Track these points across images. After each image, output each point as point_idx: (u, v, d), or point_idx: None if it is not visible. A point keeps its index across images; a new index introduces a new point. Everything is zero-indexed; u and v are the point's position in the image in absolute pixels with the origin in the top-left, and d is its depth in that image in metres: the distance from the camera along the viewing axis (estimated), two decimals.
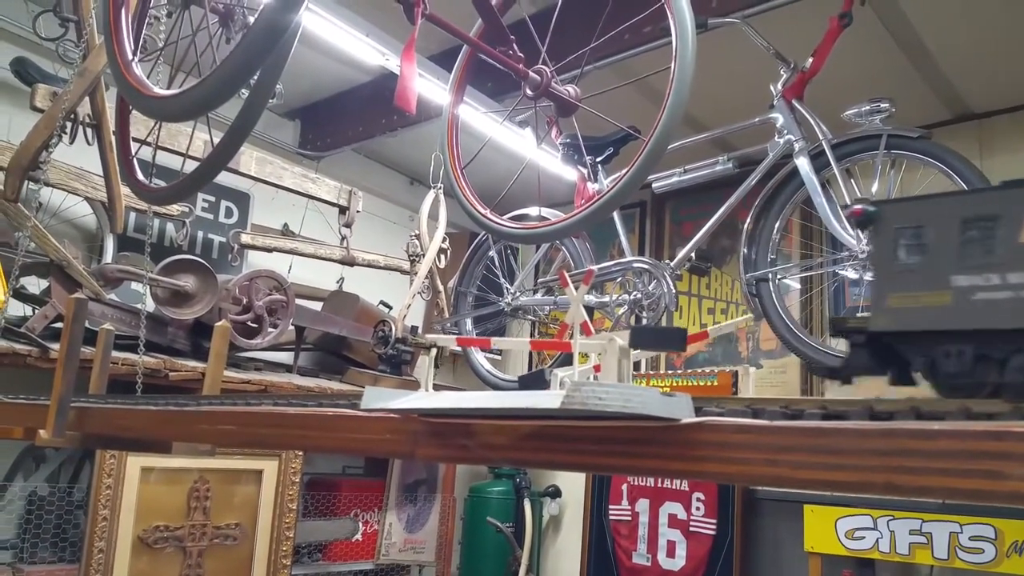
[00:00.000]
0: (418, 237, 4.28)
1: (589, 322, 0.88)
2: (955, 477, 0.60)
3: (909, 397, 0.77)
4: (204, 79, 1.22)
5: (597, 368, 0.87)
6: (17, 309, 3.35)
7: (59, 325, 3.09)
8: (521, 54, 1.74)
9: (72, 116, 2.86)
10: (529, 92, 1.75)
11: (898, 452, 0.62)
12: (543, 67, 1.73)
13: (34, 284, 3.47)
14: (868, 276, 2.34)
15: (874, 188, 2.36)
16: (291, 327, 4.14)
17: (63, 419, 1.65)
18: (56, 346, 2.97)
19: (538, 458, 0.88)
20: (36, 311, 3.22)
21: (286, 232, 4.68)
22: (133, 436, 1.76)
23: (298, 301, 4.15)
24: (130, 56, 1.42)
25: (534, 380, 1.72)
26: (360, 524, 4.49)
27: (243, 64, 1.17)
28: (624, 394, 0.72)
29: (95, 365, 2.12)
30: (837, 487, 0.65)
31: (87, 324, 1.97)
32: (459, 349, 3.41)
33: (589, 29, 2.45)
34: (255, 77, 1.43)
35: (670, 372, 4.91)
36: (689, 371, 4.63)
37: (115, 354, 2.85)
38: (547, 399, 0.76)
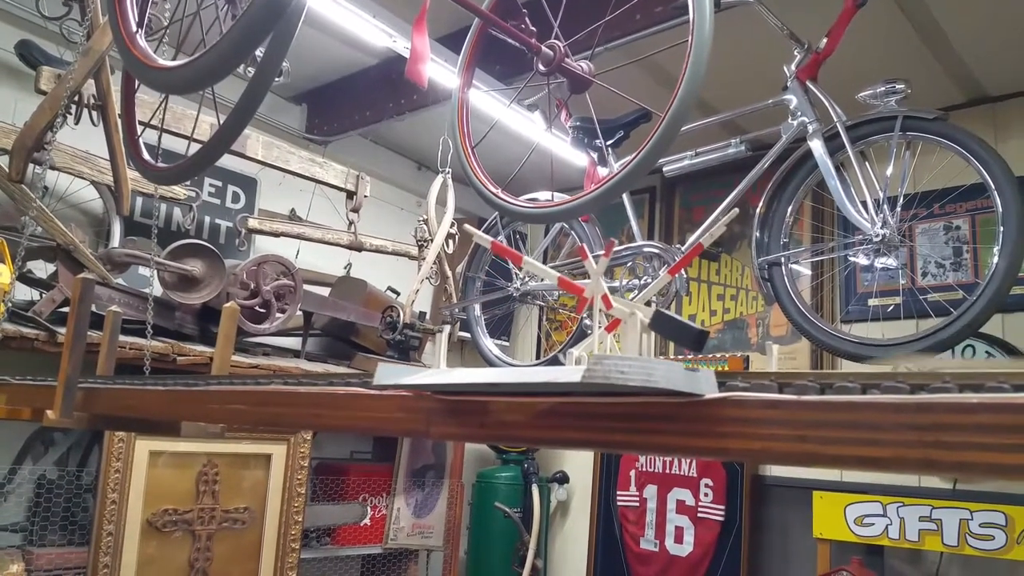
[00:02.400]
0: (426, 222, 4.26)
1: (609, 296, 0.85)
2: (996, 452, 0.57)
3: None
4: (209, 49, 1.19)
5: (611, 327, 0.84)
6: (24, 293, 3.34)
7: (66, 309, 3.07)
8: (533, 28, 1.71)
9: (77, 97, 2.84)
10: (542, 68, 1.72)
11: (935, 427, 0.59)
12: (556, 42, 1.70)
13: (41, 268, 3.46)
14: (880, 261, 2.32)
15: (889, 171, 2.32)
16: (299, 312, 4.13)
17: (70, 400, 1.64)
18: (63, 330, 2.97)
19: (555, 436, 0.85)
20: (43, 295, 3.22)
21: (293, 217, 4.66)
22: (141, 417, 1.75)
23: (306, 286, 4.14)
24: (134, 28, 1.40)
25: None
26: (368, 509, 4.50)
27: (249, 33, 1.14)
28: (647, 368, 0.69)
29: (102, 348, 2.11)
30: (871, 464, 0.62)
31: (94, 309, 1.96)
32: (467, 334, 3.40)
33: (601, 7, 2.42)
34: (261, 51, 1.41)
35: (679, 358, 4.89)
36: (699, 356, 4.60)
37: (122, 338, 2.85)
38: (567, 373, 0.73)
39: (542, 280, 3.12)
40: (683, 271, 2.60)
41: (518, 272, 3.11)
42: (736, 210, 1.12)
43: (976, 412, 0.58)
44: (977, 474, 0.59)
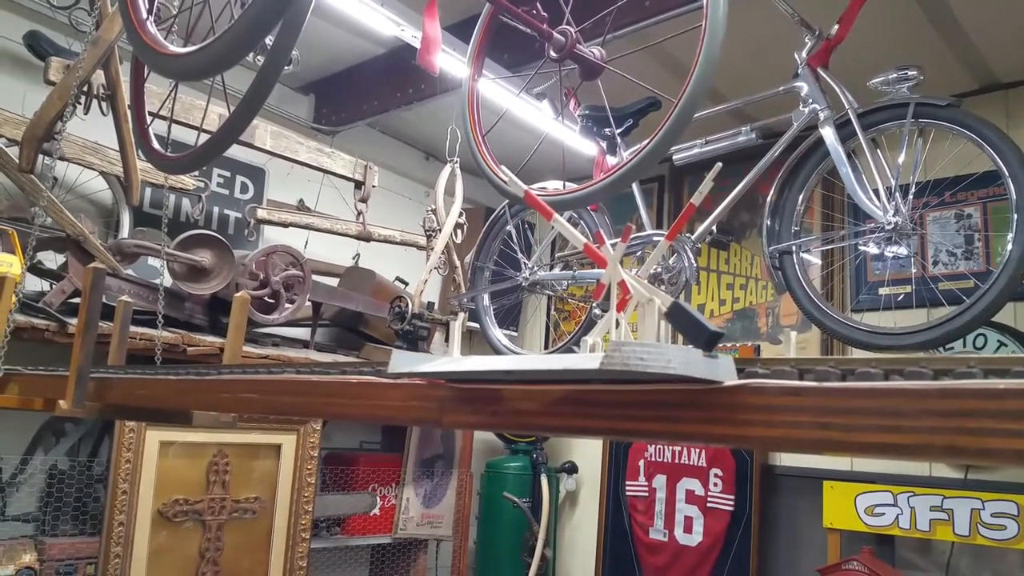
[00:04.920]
0: (434, 212, 4.26)
1: (627, 280, 0.85)
2: (1022, 439, 0.56)
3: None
4: (220, 35, 1.18)
5: (621, 305, 0.83)
6: (34, 284, 3.35)
7: (76, 300, 3.08)
8: (545, 14, 1.69)
9: (86, 87, 2.84)
10: (553, 54, 1.70)
11: (961, 413, 0.58)
12: (567, 28, 1.69)
13: (51, 259, 3.47)
14: (891, 249, 2.30)
15: (901, 158, 2.30)
16: (308, 303, 4.13)
17: (82, 389, 1.64)
18: (74, 321, 2.97)
19: (571, 424, 0.85)
20: (53, 286, 3.22)
21: (301, 207, 4.66)
22: (153, 406, 1.75)
23: (314, 277, 4.14)
24: (144, 15, 1.39)
25: None
26: (378, 499, 4.51)
27: (259, 19, 1.13)
28: (666, 354, 0.69)
29: (113, 338, 2.11)
30: (894, 451, 0.61)
31: (104, 300, 1.96)
32: (475, 324, 3.40)
33: None
34: (270, 39, 1.40)
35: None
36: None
37: (133, 329, 2.85)
38: (585, 360, 0.72)
39: (550, 270, 3.11)
40: (694, 260, 2.59)
41: (526, 262, 3.11)
42: (720, 164, 1.10)
43: (1003, 398, 0.57)
44: (1003, 461, 0.58)
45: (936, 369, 0.67)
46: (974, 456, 0.58)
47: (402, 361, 0.91)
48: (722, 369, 0.72)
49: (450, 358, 0.93)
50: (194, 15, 1.55)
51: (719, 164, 1.04)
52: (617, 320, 0.89)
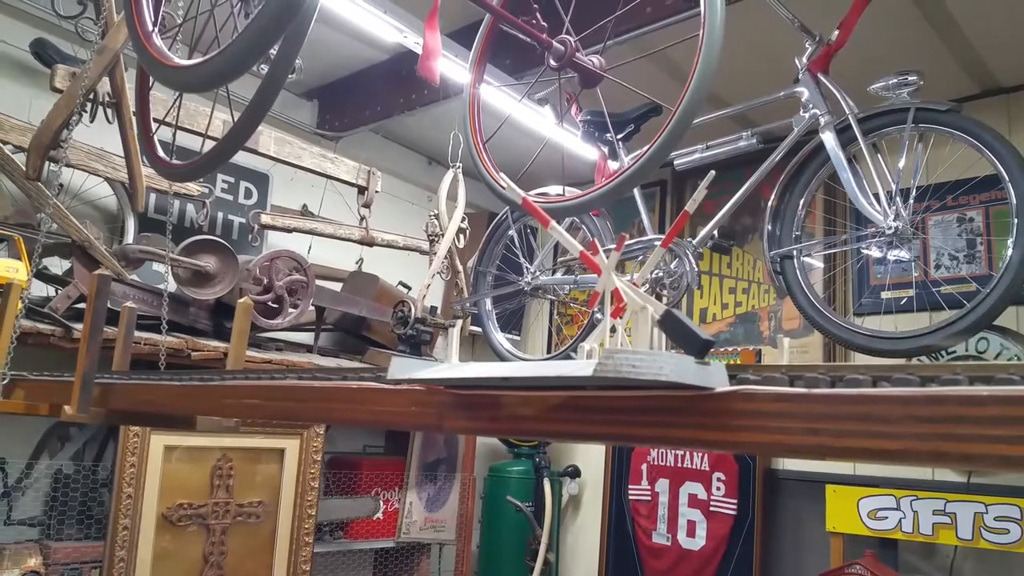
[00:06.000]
0: (437, 217, 4.27)
1: (621, 288, 0.86)
2: (1006, 445, 0.57)
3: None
4: (224, 48, 1.20)
5: (617, 312, 0.84)
6: (40, 289, 3.37)
7: (82, 305, 3.10)
8: (544, 23, 1.71)
9: (92, 94, 2.86)
10: (553, 63, 1.72)
11: (946, 419, 0.60)
12: (567, 37, 1.70)
13: (57, 265, 3.49)
14: (893, 253, 2.31)
15: (901, 163, 2.31)
16: (311, 307, 4.15)
17: (87, 395, 1.66)
18: (79, 326, 2.99)
19: (568, 429, 0.86)
20: (59, 291, 3.25)
21: (305, 213, 4.68)
22: (158, 411, 1.77)
23: (318, 282, 4.16)
24: (150, 27, 1.41)
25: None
26: (381, 502, 4.52)
27: (264, 32, 1.15)
28: (658, 361, 0.70)
29: (118, 343, 2.13)
30: (882, 456, 0.63)
31: (109, 305, 1.98)
32: (478, 328, 3.41)
33: (612, 0, 2.41)
34: (275, 49, 1.42)
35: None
36: (711, 351, 4.59)
37: (137, 334, 2.87)
38: (579, 367, 0.74)
39: (552, 275, 3.12)
40: (695, 264, 2.60)
41: (528, 266, 3.12)
42: (713, 172, 1.11)
43: (987, 405, 0.58)
44: (987, 466, 0.59)
45: (923, 376, 0.68)
46: (959, 461, 0.60)
47: (401, 367, 0.92)
48: (714, 376, 0.73)
49: (449, 365, 0.95)
50: (199, 26, 1.57)
51: (712, 172, 1.05)
52: (613, 327, 0.91)
